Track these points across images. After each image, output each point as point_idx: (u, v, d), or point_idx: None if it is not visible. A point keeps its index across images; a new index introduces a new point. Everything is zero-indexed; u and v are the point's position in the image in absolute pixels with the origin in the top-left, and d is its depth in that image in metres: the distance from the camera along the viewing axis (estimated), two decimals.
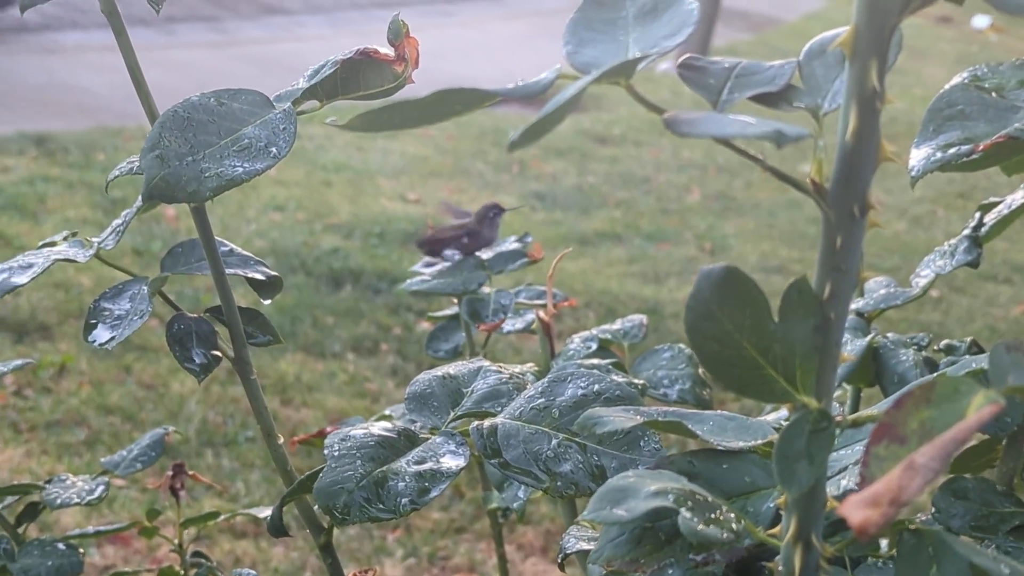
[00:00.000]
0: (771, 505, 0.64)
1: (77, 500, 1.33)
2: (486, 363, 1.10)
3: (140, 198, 1.04)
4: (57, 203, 5.71)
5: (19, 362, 1.31)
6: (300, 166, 6.87)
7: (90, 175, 6.16)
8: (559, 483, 0.95)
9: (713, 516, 0.60)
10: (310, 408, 4.09)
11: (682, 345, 1.44)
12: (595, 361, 1.34)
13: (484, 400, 1.05)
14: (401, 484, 0.96)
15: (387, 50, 0.92)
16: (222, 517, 1.46)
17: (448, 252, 1.62)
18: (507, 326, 1.55)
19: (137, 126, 7.21)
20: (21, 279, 1.01)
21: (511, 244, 1.60)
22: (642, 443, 0.96)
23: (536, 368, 1.35)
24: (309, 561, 3.31)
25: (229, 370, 4.29)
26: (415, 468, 0.97)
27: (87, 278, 4.77)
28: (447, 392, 1.07)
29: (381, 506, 0.95)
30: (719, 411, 0.67)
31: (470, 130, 8.48)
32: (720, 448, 0.66)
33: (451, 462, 0.98)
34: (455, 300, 1.60)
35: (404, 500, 0.95)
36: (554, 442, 0.97)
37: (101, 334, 1.00)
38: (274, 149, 0.89)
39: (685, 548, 0.63)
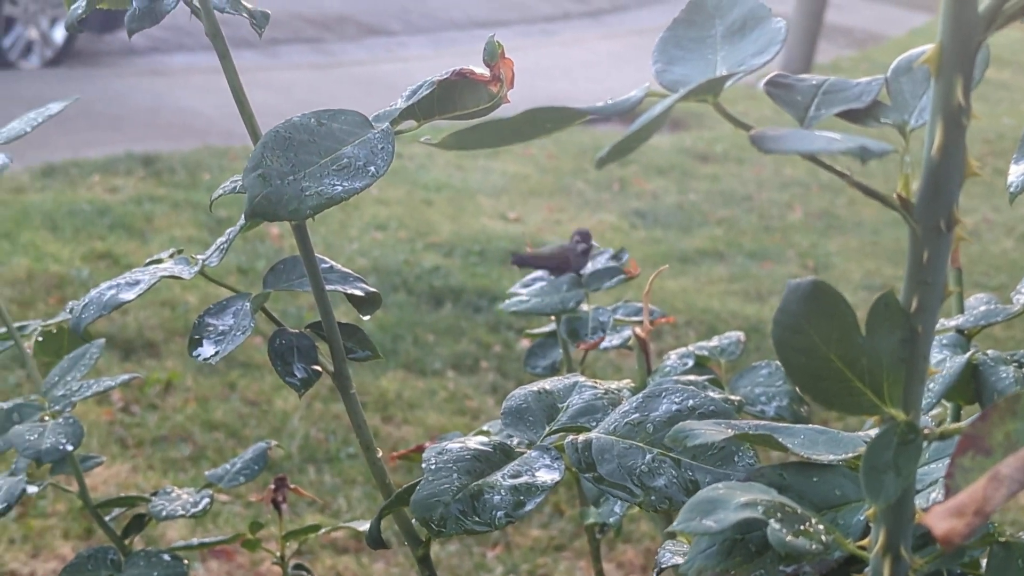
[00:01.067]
0: (861, 518, 0.65)
1: (182, 512, 1.35)
2: (581, 378, 1.12)
3: (243, 216, 1.07)
4: (164, 222, 5.80)
5: (126, 376, 1.34)
6: (401, 185, 6.92)
7: (196, 195, 6.25)
8: (653, 497, 0.96)
9: (802, 528, 0.61)
10: (411, 425, 4.12)
11: (779, 362, 1.44)
12: (691, 377, 1.35)
13: (579, 415, 1.06)
14: (497, 497, 0.97)
15: (483, 70, 0.94)
16: (323, 531, 1.49)
17: (541, 273, 1.64)
18: (604, 343, 1.56)
19: (242, 146, 7.30)
20: (128, 295, 1.04)
21: (607, 261, 1.61)
22: (736, 458, 0.97)
23: (632, 384, 1.36)
24: None
25: (331, 387, 4.32)
26: (510, 482, 0.99)
27: (193, 296, 4.85)
28: (543, 407, 1.08)
29: (476, 519, 0.97)
30: (810, 425, 0.68)
31: (570, 148, 8.49)
32: (811, 461, 0.67)
33: (546, 476, 0.99)
34: (553, 317, 1.61)
35: (499, 513, 0.96)
36: (648, 457, 0.98)
37: (206, 349, 1.03)
38: (372, 168, 0.91)
39: (775, 560, 0.63)
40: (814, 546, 0.60)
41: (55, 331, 1.47)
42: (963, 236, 0.60)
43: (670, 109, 0.52)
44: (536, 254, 1.65)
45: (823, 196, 8.15)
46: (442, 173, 7.45)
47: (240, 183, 1.01)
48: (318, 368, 1.07)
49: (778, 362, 1.45)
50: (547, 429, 1.06)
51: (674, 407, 1.00)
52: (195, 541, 1.49)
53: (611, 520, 1.29)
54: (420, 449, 1.56)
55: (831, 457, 0.66)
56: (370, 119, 0.96)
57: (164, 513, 1.36)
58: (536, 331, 1.67)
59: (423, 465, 1.01)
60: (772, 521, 0.60)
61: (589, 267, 1.60)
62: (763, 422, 0.69)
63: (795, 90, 0.57)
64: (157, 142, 7.27)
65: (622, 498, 0.97)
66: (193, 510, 1.36)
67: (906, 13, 18.00)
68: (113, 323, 4.56)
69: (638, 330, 1.39)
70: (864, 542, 0.62)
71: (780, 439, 0.66)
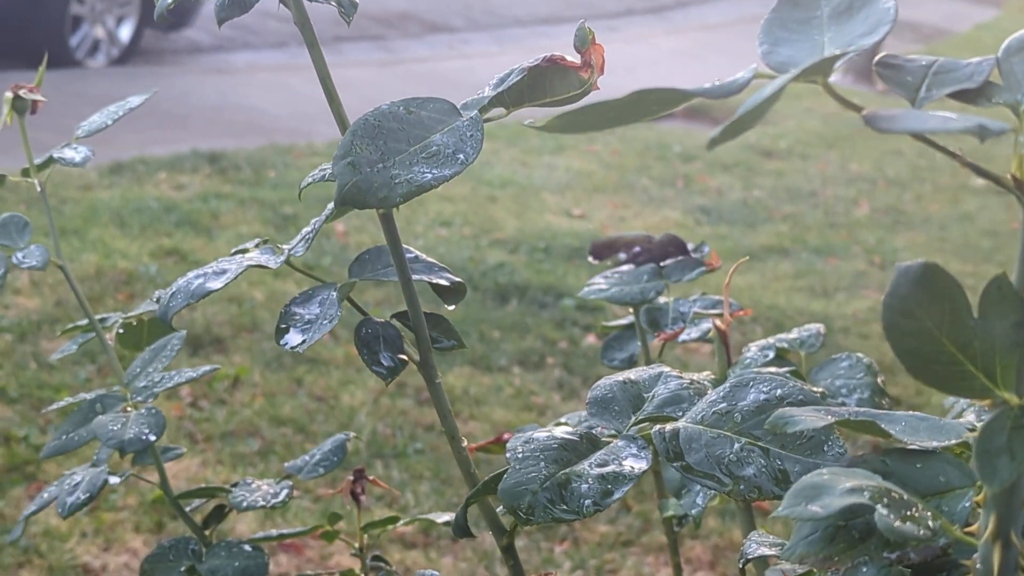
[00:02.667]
0: (966, 504, 0.64)
1: (263, 503, 1.36)
2: (666, 368, 1.11)
3: (331, 204, 1.07)
4: (230, 219, 5.84)
5: (208, 368, 1.35)
6: (466, 182, 6.92)
7: (261, 192, 6.29)
8: (742, 486, 0.96)
9: (909, 513, 0.60)
10: (477, 421, 4.12)
11: (860, 354, 1.43)
12: (773, 369, 1.34)
13: (665, 405, 1.06)
14: (584, 486, 0.97)
15: (573, 57, 0.93)
16: (402, 522, 1.49)
17: (622, 256, 1.63)
18: (682, 335, 1.55)
19: (306, 144, 7.34)
20: (216, 284, 1.05)
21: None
22: (826, 447, 0.96)
23: (713, 376, 1.35)
24: (477, 572, 3.34)
25: (399, 383, 4.35)
26: (598, 471, 0.98)
27: (260, 292, 4.87)
28: (628, 397, 1.08)
29: (564, 507, 0.96)
30: (910, 412, 0.67)
31: (634, 145, 8.48)
32: (913, 448, 0.66)
33: (633, 465, 0.99)
34: (631, 310, 1.61)
35: (587, 502, 0.96)
36: (736, 446, 0.97)
37: (292, 337, 1.03)
38: (462, 156, 0.91)
39: (879, 546, 0.63)
40: (922, 532, 0.59)
41: (135, 323, 1.48)
42: None
43: (782, 90, 0.51)
44: (618, 237, 1.65)
45: (890, 192, 8.09)
46: (506, 169, 7.45)
47: (329, 171, 1.01)
48: (404, 357, 1.07)
49: (859, 354, 1.44)
50: (633, 419, 1.05)
51: (762, 396, 0.99)
52: (274, 532, 1.49)
53: (693, 512, 1.29)
54: (499, 441, 1.56)
55: (934, 443, 0.65)
56: (458, 107, 0.96)
57: (245, 504, 1.37)
58: (613, 323, 1.66)
59: (508, 455, 1.01)
60: (879, 506, 0.60)
61: (670, 259, 1.59)
62: (863, 409, 0.68)
63: (905, 71, 0.56)
64: (222, 140, 7.31)
65: (711, 487, 0.97)
66: (273, 501, 1.37)
67: (972, 8, 17.86)
68: (181, 319, 4.57)
69: (718, 322, 1.38)
70: (973, 528, 0.62)
71: (883, 425, 0.65)
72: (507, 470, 0.99)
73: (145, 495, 3.45)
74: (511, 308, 5.15)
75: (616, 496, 0.96)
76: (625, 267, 1.67)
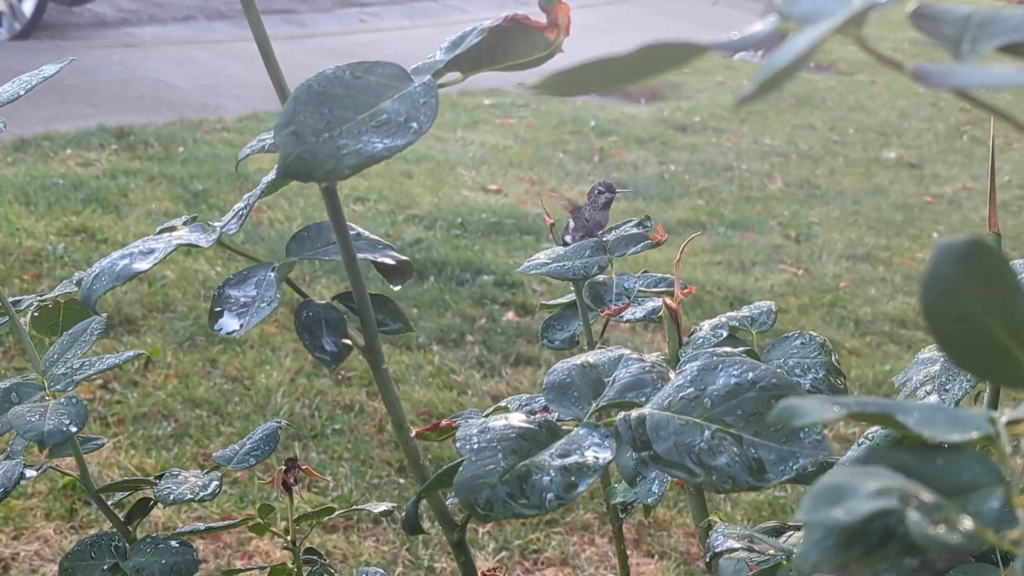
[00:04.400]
0: (994, 504, 0.58)
1: (191, 496, 1.28)
2: (626, 351, 1.05)
3: (266, 179, 0.99)
4: (139, 196, 5.71)
5: (131, 353, 1.27)
6: None
7: (171, 168, 6.16)
8: (714, 477, 0.90)
9: (940, 518, 0.54)
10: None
11: (812, 332, 1.38)
12: (727, 349, 1.28)
13: (627, 390, 1.00)
14: (546, 478, 0.90)
15: (538, 16, 0.86)
16: (337, 513, 1.41)
17: (568, 238, 1.57)
18: (627, 314, 1.49)
19: (216, 119, 7.20)
20: (143, 265, 0.96)
21: (630, 228, 1.54)
22: (802, 434, 0.90)
23: (664, 358, 1.29)
24: (400, 554, 3.27)
25: (314, 362, 4.26)
26: (559, 462, 0.92)
27: (171, 271, 4.76)
28: (587, 382, 1.01)
29: (525, 501, 0.90)
30: (925, 402, 0.61)
31: (549, 119, 8.42)
32: (931, 442, 0.60)
33: (597, 454, 0.92)
34: (572, 287, 1.54)
35: (549, 495, 0.89)
36: (707, 434, 0.91)
37: (228, 322, 0.95)
38: (415, 124, 0.84)
39: (900, 552, 0.57)
40: (958, 539, 0.53)
41: (50, 306, 1.39)
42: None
43: (819, 43, 0.45)
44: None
45: (803, 166, 8.10)
46: (421, 144, 7.36)
47: (268, 141, 0.93)
48: (348, 342, 1.00)
49: (811, 332, 1.38)
50: (594, 405, 0.99)
51: (732, 380, 0.93)
52: (202, 526, 1.41)
53: (650, 500, 1.22)
54: (436, 427, 1.49)
55: (955, 437, 0.59)
56: (409, 72, 0.88)
57: (172, 497, 1.28)
58: (552, 302, 1.60)
59: (460, 444, 0.94)
60: (910, 511, 0.54)
61: (613, 234, 1.53)
62: (874, 398, 0.62)
63: (943, 22, 0.50)
64: (130, 115, 7.16)
65: (681, 478, 0.91)
66: (202, 493, 1.29)
67: None
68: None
69: (669, 300, 1.32)
70: (1015, 534, 0.56)
71: (899, 417, 0.59)
72: (461, 462, 0.92)
73: (55, 481, 3.35)
74: (428, 285, 5.07)
75: (580, 489, 0.90)
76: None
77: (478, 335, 4.62)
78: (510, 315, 4.86)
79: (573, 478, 0.90)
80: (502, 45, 0.87)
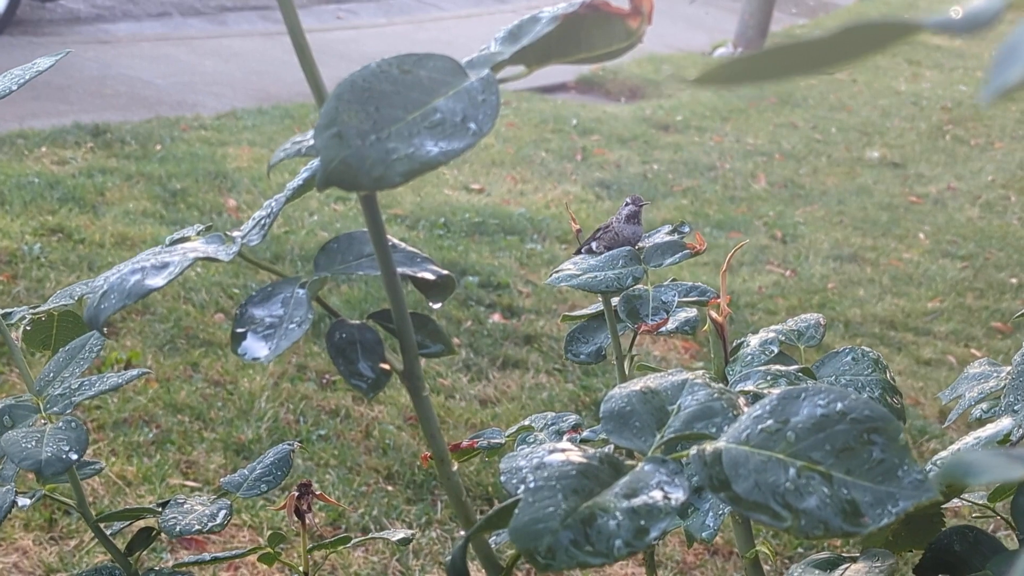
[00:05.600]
0: None
1: (198, 527, 1.17)
2: (689, 375, 0.95)
3: (291, 184, 0.89)
4: (116, 195, 5.59)
5: (136, 372, 1.16)
6: None
7: (148, 166, 6.03)
8: (803, 522, 0.80)
9: None
10: (383, 405, 3.94)
11: (865, 348, 1.28)
12: (779, 367, 1.18)
13: (694, 420, 0.90)
14: (612, 523, 0.80)
15: (619, 2, 0.76)
16: (353, 542, 1.31)
17: (594, 244, 1.48)
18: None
19: (193, 116, 7.08)
20: (157, 281, 0.86)
21: (663, 235, 1.44)
22: (900, 472, 0.80)
23: (708, 374, 1.20)
24: (391, 565, 3.17)
25: (300, 366, 4.15)
26: (626, 503, 0.81)
27: None
28: (649, 410, 0.91)
29: (590, 548, 0.79)
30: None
31: (530, 117, 8.32)
32: None
33: (669, 494, 0.82)
34: (599, 297, 1.45)
35: (618, 542, 0.79)
36: (792, 472, 0.81)
37: (252, 346, 0.83)
38: (473, 125, 0.74)
39: None
40: None
41: (44, 319, 1.29)
42: None
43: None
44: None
45: (786, 165, 8.03)
46: None
47: (305, 144, 0.84)
48: (387, 367, 0.90)
49: (864, 348, 1.29)
50: (658, 437, 0.89)
51: (819, 411, 0.83)
52: (207, 556, 1.31)
53: (704, 535, 1.12)
54: (458, 448, 1.39)
55: None
56: (462, 65, 0.78)
57: (178, 528, 1.18)
58: (577, 313, 1.50)
59: (507, 479, 0.83)
60: None
61: (647, 241, 1.43)
62: None
63: None
64: (105, 113, 7.03)
65: (765, 523, 0.81)
66: (211, 524, 1.18)
67: None
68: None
69: (714, 313, 1.22)
70: None
71: None
72: (517, 502, 0.82)
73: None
74: (411, 287, 4.96)
75: (653, 535, 0.80)
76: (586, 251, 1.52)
77: (464, 338, 4.52)
78: (496, 317, 4.76)
79: (643, 522, 0.80)
80: (576, 34, 0.77)
